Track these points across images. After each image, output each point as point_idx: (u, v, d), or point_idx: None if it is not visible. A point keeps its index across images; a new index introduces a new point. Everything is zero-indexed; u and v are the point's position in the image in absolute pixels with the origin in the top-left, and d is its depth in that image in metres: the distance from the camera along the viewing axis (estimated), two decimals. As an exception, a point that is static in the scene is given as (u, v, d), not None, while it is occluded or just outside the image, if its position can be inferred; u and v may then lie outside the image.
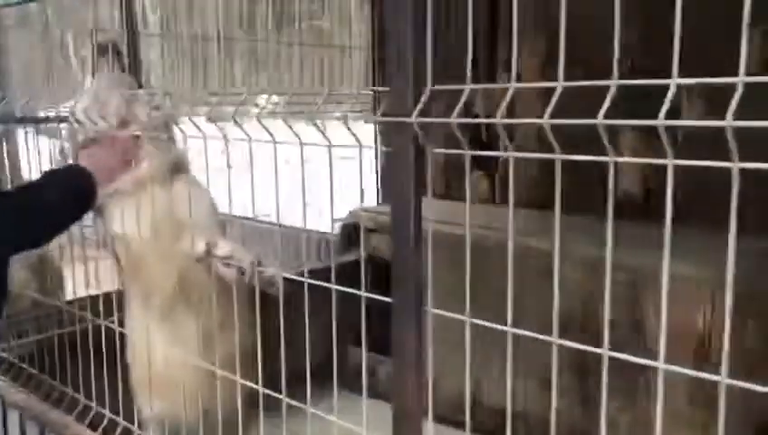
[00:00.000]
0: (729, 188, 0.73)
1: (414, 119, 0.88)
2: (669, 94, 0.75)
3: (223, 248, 1.59)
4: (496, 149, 2.54)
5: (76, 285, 2.24)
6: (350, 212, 3.08)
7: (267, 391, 1.42)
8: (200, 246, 1.57)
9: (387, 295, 1.13)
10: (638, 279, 2.20)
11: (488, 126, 2.81)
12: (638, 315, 2.23)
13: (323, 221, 4.31)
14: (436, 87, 0.91)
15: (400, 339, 0.96)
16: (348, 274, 1.33)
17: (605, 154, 0.81)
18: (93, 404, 1.70)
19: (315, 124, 1.27)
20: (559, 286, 0.94)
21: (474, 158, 0.94)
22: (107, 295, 1.91)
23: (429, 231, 1.00)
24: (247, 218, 3.75)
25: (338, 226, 3.61)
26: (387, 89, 0.92)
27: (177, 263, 1.68)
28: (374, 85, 3.40)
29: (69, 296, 2.48)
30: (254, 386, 1.41)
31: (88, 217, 1.78)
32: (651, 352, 0.84)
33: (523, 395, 2.49)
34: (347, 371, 1.79)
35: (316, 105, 1.21)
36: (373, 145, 3.44)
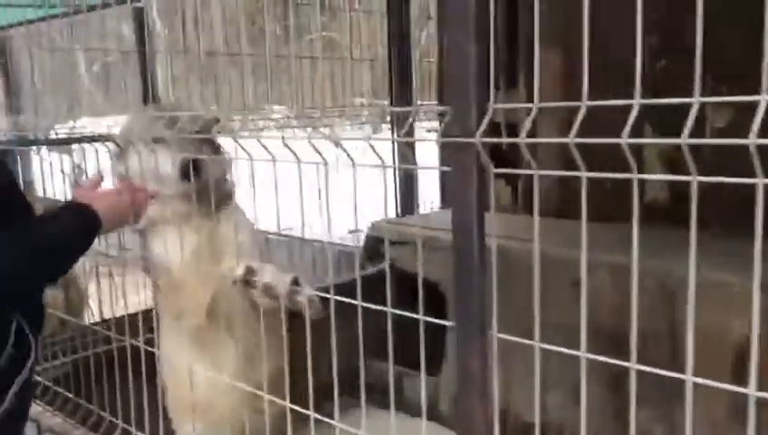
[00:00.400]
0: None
1: (478, 139, 0.86)
2: (692, 114, 0.75)
3: (262, 275, 1.57)
4: (517, 159, 2.53)
5: (102, 304, 2.23)
6: (373, 224, 3.06)
7: (295, 407, 1.41)
8: (239, 270, 1.56)
9: (412, 309, 1.17)
10: (673, 287, 2.16)
11: (508, 135, 2.80)
12: (673, 325, 2.20)
13: (340, 233, 4.30)
14: (499, 105, 0.89)
15: (464, 364, 0.93)
16: (372, 287, 1.31)
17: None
18: (133, 429, 1.68)
19: (340, 145, 1.26)
20: (599, 298, 0.92)
21: (496, 166, 0.94)
22: (135, 316, 1.90)
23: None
24: (270, 233, 3.74)
25: (361, 238, 3.59)
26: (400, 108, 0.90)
27: (215, 287, 1.68)
28: (390, 98, 3.38)
29: (93, 316, 2.47)
30: (284, 403, 1.41)
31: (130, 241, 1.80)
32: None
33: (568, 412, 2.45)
34: (370, 384, 1.78)
35: (332, 119, 1.20)
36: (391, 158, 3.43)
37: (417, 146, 3.61)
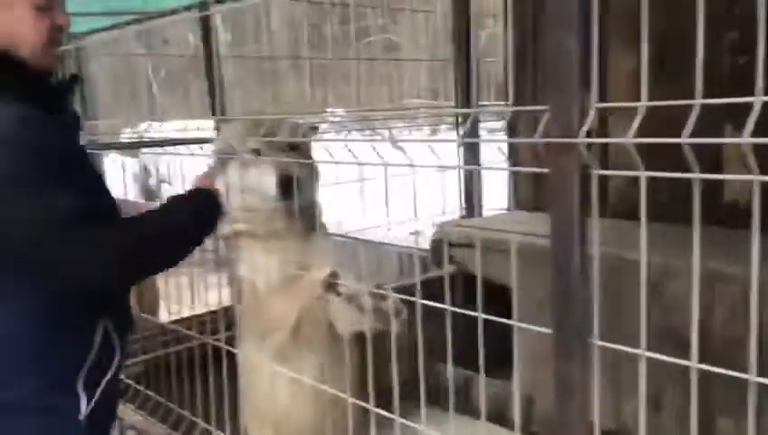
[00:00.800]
0: None
1: (580, 139, 0.82)
2: (754, 114, 0.72)
3: (346, 280, 1.55)
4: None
5: (178, 303, 2.27)
6: (440, 227, 3.03)
7: (380, 411, 1.40)
8: (325, 272, 1.55)
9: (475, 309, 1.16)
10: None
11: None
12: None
13: (402, 235, 4.28)
14: (602, 105, 0.85)
15: (563, 374, 0.90)
16: (438, 289, 1.29)
17: (714, 160, 0.77)
18: (213, 429, 1.70)
19: (399, 147, 1.24)
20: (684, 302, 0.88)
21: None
22: (212, 314, 1.91)
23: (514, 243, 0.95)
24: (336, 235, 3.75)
25: (421, 240, 3.56)
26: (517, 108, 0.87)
27: (299, 305, 1.65)
28: (456, 100, 3.35)
29: (170, 314, 2.52)
30: (366, 405, 1.40)
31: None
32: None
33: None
34: (437, 388, 1.76)
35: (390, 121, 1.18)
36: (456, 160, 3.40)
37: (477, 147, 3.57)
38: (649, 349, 0.92)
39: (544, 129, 0.88)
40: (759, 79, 0.73)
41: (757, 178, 0.77)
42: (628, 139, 0.78)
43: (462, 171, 3.35)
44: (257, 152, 1.70)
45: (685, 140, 0.76)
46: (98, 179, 1.62)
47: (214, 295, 2.55)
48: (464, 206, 3.47)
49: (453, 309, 1.18)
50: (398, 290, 1.64)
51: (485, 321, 1.19)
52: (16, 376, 1.44)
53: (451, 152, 3.56)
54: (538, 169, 0.93)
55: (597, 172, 0.85)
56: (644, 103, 0.78)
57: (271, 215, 1.71)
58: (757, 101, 0.74)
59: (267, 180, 1.68)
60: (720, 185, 2.52)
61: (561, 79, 0.83)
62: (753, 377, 0.81)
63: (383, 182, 1.39)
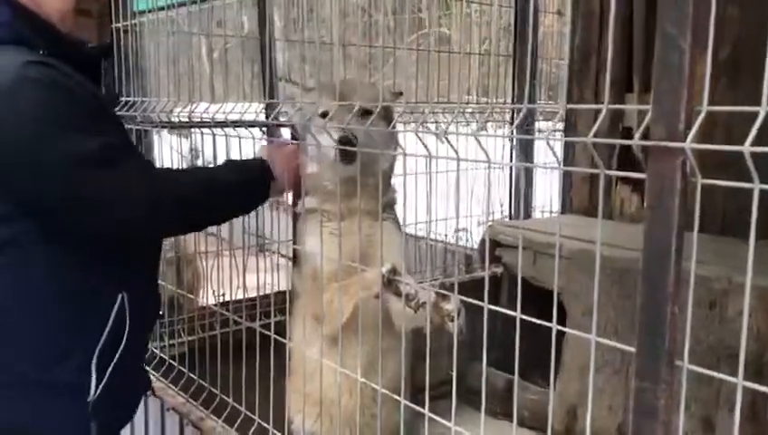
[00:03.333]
0: None
1: (688, 144, 0.76)
2: None
3: (405, 284, 1.48)
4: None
5: (222, 286, 2.26)
6: (490, 226, 2.96)
7: (434, 417, 1.35)
8: (385, 267, 1.50)
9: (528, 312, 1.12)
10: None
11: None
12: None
13: (447, 232, 4.23)
14: (714, 108, 0.78)
15: (644, 397, 0.83)
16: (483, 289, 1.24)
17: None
18: (256, 417, 1.67)
19: (447, 141, 1.19)
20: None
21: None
22: (254, 299, 1.89)
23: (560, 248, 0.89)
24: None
25: (465, 238, 3.50)
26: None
27: (356, 297, 1.59)
28: (512, 96, 3.27)
29: (213, 297, 2.51)
30: (418, 408, 1.35)
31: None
32: None
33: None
34: (477, 390, 1.72)
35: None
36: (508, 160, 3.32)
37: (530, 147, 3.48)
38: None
39: (643, 130, 0.81)
40: None
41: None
42: (746, 147, 0.71)
43: (513, 171, 3.28)
44: (325, 116, 1.59)
45: (747, 148, 0.69)
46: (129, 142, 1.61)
47: (254, 279, 2.53)
48: (512, 206, 3.40)
49: (490, 307, 1.13)
50: (445, 287, 1.60)
51: (534, 327, 1.15)
52: (30, 347, 1.41)
53: (500, 151, 3.48)
54: (635, 174, 0.86)
55: (701, 181, 0.79)
56: (765, 108, 0.71)
57: (336, 190, 1.61)
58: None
59: (326, 143, 1.56)
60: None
61: (670, 77, 0.76)
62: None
63: (429, 177, 1.34)
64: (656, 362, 0.82)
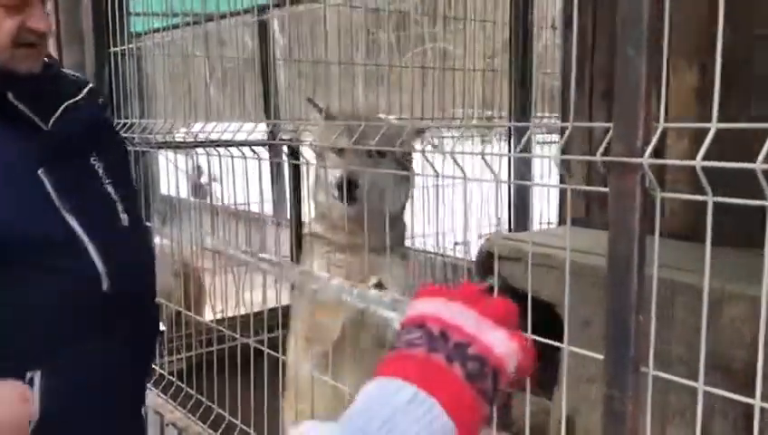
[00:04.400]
0: None
1: (645, 160, 0.79)
2: None
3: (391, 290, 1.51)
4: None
5: (223, 302, 2.30)
6: (487, 240, 2.99)
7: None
8: (371, 283, 1.53)
9: (524, 329, 1.12)
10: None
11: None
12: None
13: (448, 245, 4.25)
14: (670, 124, 0.82)
15: (612, 404, 0.86)
16: None
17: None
18: (251, 431, 1.71)
19: (453, 158, 1.22)
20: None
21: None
22: (256, 315, 1.92)
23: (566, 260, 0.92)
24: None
25: (467, 251, 3.52)
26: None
27: (345, 316, 1.61)
28: (510, 111, 3.31)
29: (216, 313, 2.55)
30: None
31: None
32: None
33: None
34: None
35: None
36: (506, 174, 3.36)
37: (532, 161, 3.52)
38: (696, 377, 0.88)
39: (606, 147, 0.85)
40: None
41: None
42: (698, 161, 0.75)
43: (512, 185, 3.31)
44: (341, 152, 1.59)
45: (759, 166, 0.72)
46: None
47: (257, 296, 2.56)
48: (512, 219, 3.43)
49: None
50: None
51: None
52: None
53: (501, 164, 3.53)
54: (596, 188, 0.89)
55: (660, 195, 0.82)
56: (715, 124, 0.75)
57: (338, 222, 1.61)
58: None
59: (330, 180, 1.56)
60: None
61: (628, 96, 0.80)
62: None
63: (430, 192, 1.38)
64: (622, 370, 0.85)
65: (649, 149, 0.79)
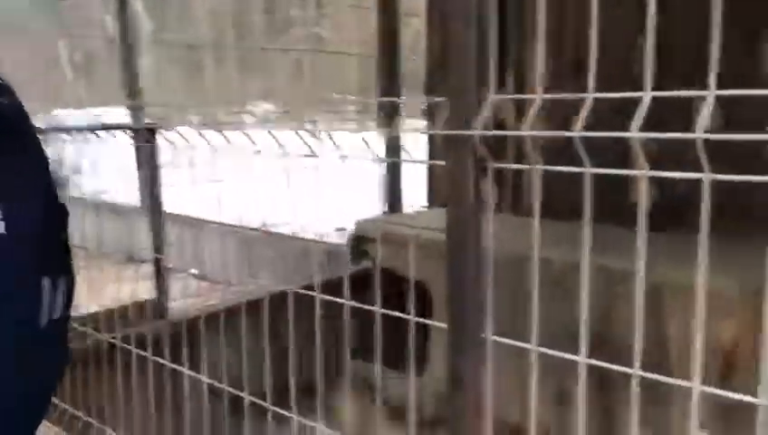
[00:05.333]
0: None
1: (477, 131, 0.81)
2: (707, 108, 0.71)
3: None
4: (504, 157, 2.49)
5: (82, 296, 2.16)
6: (357, 223, 3.01)
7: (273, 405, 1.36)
8: None
9: (397, 308, 1.16)
10: (661, 292, 2.14)
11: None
12: (660, 331, 2.17)
13: (327, 231, 4.24)
14: (500, 96, 0.84)
15: (457, 369, 0.89)
16: (354, 286, 1.29)
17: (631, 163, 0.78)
18: (108, 429, 1.62)
19: (331, 138, 1.22)
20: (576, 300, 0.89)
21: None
22: (112, 311, 1.82)
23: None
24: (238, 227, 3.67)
25: (344, 236, 3.53)
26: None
27: None
28: (378, 94, 3.34)
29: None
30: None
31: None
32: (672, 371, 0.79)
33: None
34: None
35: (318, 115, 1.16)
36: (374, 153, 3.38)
37: (406, 145, 3.58)
38: (549, 344, 0.92)
39: (444, 119, 0.87)
40: (647, 78, 0.74)
41: (708, 176, 0.76)
42: (524, 132, 0.78)
43: (385, 168, 3.35)
44: None
45: (577, 133, 0.76)
46: None
47: (121, 289, 2.44)
48: (386, 202, 3.47)
49: (350, 304, 1.17)
50: (307, 287, 1.61)
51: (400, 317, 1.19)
52: None
53: (380, 150, 3.56)
54: (434, 162, 0.91)
55: (493, 165, 0.85)
56: (540, 96, 0.78)
57: None
58: (710, 95, 0.73)
59: None
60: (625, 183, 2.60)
61: (458, 71, 0.82)
62: (696, 385, 0.81)
63: (302, 176, 1.36)
64: (463, 337, 0.87)
65: (480, 120, 0.81)
